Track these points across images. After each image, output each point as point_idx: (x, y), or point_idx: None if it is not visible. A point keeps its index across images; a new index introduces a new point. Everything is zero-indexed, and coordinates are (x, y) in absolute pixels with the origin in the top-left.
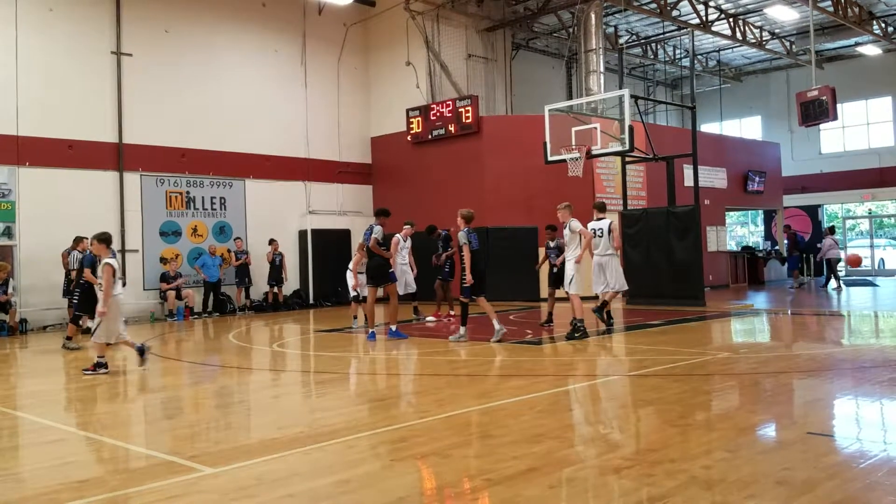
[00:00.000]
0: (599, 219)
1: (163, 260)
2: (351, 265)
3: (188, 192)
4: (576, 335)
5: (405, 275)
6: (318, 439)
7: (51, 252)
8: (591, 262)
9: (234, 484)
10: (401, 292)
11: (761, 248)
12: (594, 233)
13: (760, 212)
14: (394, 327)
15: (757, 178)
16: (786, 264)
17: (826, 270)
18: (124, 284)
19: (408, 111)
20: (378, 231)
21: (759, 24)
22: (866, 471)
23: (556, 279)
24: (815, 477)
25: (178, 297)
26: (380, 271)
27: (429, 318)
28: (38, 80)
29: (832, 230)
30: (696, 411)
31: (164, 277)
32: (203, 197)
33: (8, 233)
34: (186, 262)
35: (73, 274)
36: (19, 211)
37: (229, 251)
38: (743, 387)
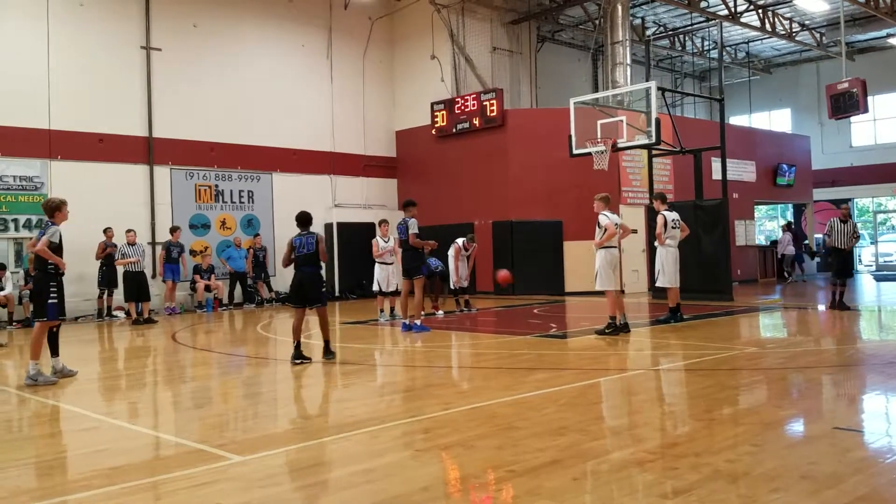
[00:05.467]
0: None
1: (192, 252)
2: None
3: (217, 186)
4: (606, 331)
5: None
6: (343, 429)
7: (81, 245)
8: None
9: (262, 472)
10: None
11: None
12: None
13: (790, 205)
14: (418, 321)
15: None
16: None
17: (783, 265)
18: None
19: (432, 105)
20: (414, 224)
21: (788, 15)
22: (893, 466)
23: None
24: (841, 471)
25: (208, 288)
26: (413, 264)
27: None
28: (69, 74)
29: (789, 226)
30: (722, 406)
31: (197, 270)
32: (231, 190)
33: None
34: (215, 254)
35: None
36: None
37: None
38: (770, 381)
